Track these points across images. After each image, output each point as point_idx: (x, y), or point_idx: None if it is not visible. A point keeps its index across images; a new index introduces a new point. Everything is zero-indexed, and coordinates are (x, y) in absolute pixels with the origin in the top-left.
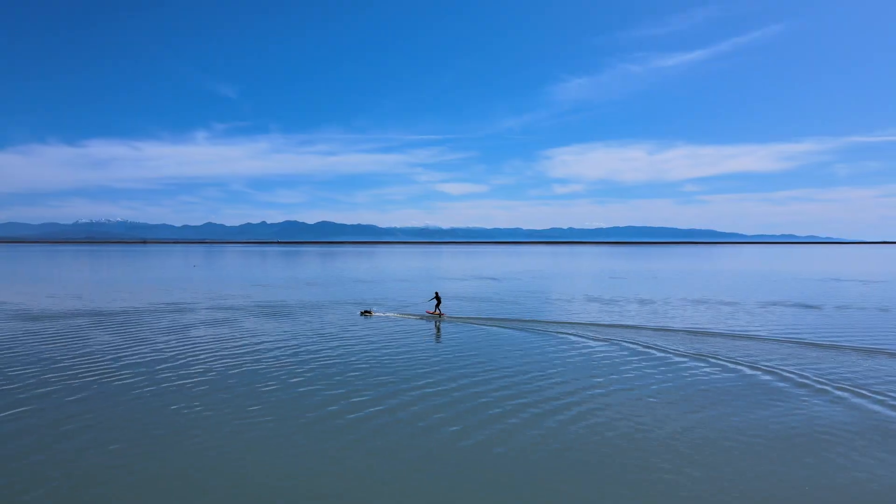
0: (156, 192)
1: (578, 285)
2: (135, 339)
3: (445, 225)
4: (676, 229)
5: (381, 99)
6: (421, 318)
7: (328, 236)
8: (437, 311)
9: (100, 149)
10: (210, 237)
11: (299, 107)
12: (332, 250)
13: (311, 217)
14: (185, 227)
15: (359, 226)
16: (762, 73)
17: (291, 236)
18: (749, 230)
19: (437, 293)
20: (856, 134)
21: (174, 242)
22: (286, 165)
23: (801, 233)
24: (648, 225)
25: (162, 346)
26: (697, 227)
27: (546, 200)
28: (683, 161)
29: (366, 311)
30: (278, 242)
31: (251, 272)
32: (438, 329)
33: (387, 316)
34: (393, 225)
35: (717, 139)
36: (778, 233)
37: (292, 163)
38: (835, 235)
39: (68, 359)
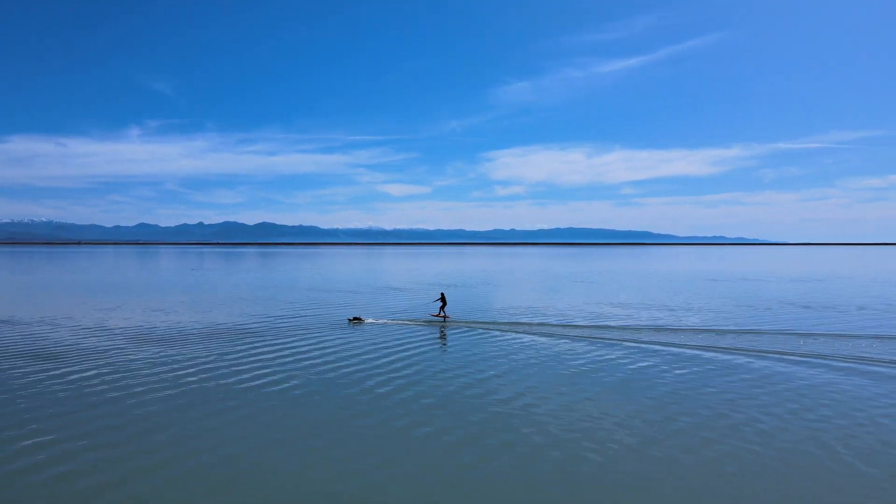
0: (84, 191)
1: (568, 289)
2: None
3: (388, 226)
4: (614, 231)
5: (323, 98)
6: (421, 324)
7: (268, 237)
8: (443, 314)
9: (21, 145)
10: (144, 238)
11: (238, 105)
12: (272, 251)
13: (250, 218)
14: (117, 227)
15: (300, 227)
16: (695, 81)
17: (230, 237)
18: (682, 232)
19: (442, 294)
20: (780, 141)
21: (105, 244)
22: (224, 165)
23: (731, 234)
24: (588, 227)
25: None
26: (634, 229)
27: (488, 202)
28: (621, 164)
29: (356, 318)
30: (217, 244)
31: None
32: (444, 334)
33: (380, 323)
34: (335, 226)
35: (653, 144)
36: (708, 234)
37: (230, 162)
38: (761, 237)
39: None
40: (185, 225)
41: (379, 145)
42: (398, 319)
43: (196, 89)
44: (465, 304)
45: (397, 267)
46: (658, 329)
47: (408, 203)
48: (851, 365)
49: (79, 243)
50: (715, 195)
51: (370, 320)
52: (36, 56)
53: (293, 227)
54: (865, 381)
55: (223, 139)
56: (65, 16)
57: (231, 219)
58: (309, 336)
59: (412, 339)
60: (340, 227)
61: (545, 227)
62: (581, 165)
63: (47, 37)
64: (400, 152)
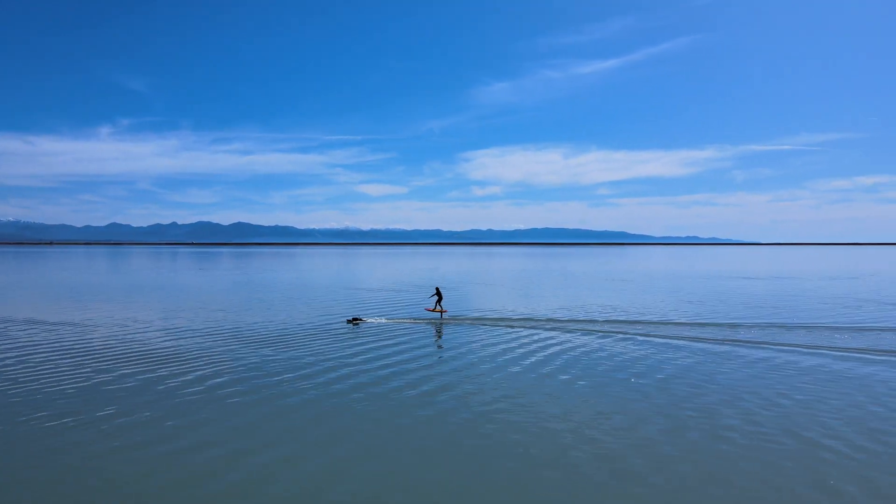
0: (53, 190)
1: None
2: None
3: (365, 226)
4: (590, 231)
5: (300, 97)
6: (420, 322)
7: (243, 238)
8: (438, 308)
9: None
10: (115, 238)
11: (213, 103)
12: (249, 251)
13: (225, 218)
14: (87, 227)
15: (276, 227)
16: (670, 83)
17: (204, 238)
18: (657, 232)
19: (437, 288)
20: (751, 143)
21: (75, 244)
22: (199, 164)
23: (704, 234)
24: (564, 227)
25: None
26: (609, 230)
27: (465, 202)
28: (597, 165)
29: (354, 319)
30: (191, 244)
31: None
32: (440, 331)
33: (378, 322)
34: (311, 226)
35: (629, 145)
36: (683, 234)
37: (205, 161)
38: (733, 237)
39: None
40: (157, 225)
41: (356, 145)
42: (396, 318)
43: (171, 87)
44: (468, 303)
45: (388, 267)
46: (669, 323)
47: (385, 203)
48: None
49: (50, 243)
50: (689, 196)
51: (370, 320)
52: (1, 52)
53: (269, 227)
54: None
55: (198, 138)
56: (34, 12)
57: (205, 219)
58: (310, 340)
59: (413, 338)
60: (317, 228)
61: (522, 227)
62: (558, 166)
63: (14, 33)
64: (377, 152)
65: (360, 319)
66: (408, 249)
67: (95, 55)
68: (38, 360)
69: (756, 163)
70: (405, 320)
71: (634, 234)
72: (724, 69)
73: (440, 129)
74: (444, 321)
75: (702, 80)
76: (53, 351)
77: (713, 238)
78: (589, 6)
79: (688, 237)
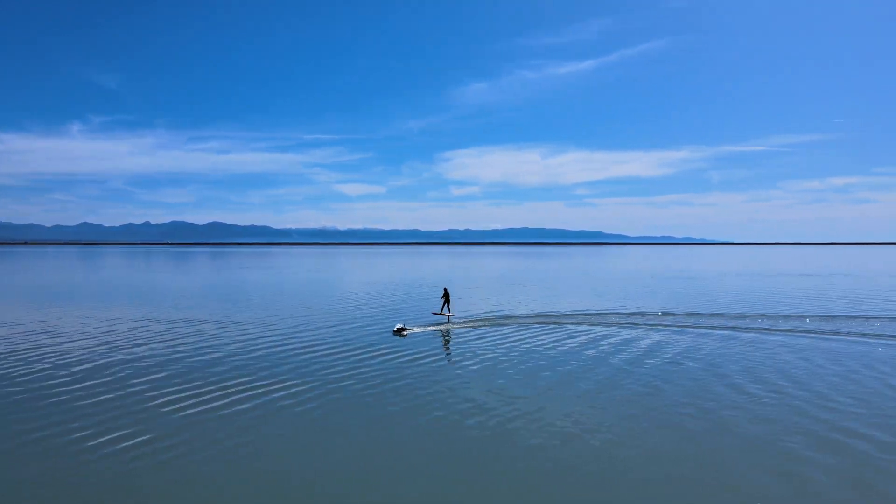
0: (21, 189)
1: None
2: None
3: (343, 226)
4: (567, 231)
5: (278, 96)
6: (461, 326)
7: (219, 237)
8: (445, 312)
9: None
10: (86, 238)
11: (189, 101)
12: (225, 251)
13: (200, 218)
14: (57, 227)
15: (252, 227)
16: (646, 85)
17: (179, 237)
18: (633, 232)
19: (445, 290)
20: (727, 144)
21: (45, 244)
22: (173, 163)
23: (679, 234)
24: (542, 226)
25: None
26: (587, 229)
27: (444, 202)
28: (575, 165)
29: (401, 329)
30: (166, 244)
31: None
32: (447, 336)
33: (423, 331)
34: (288, 226)
35: (606, 145)
36: (659, 234)
37: (180, 160)
38: (708, 237)
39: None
40: (130, 224)
41: (335, 144)
42: (437, 324)
43: (144, 84)
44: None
45: (400, 267)
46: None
47: (363, 203)
48: None
49: (25, 243)
50: (665, 196)
51: (415, 329)
52: None
53: (245, 227)
54: None
55: (173, 136)
56: (0, 9)
57: (180, 218)
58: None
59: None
60: (294, 227)
61: (500, 227)
62: (536, 166)
63: None
64: (356, 152)
65: (406, 329)
66: (387, 249)
67: (66, 52)
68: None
69: (731, 163)
70: (442, 325)
71: (610, 234)
72: (699, 71)
73: (419, 129)
74: (452, 324)
75: (677, 82)
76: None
77: (688, 238)
78: (566, 8)
79: (663, 237)
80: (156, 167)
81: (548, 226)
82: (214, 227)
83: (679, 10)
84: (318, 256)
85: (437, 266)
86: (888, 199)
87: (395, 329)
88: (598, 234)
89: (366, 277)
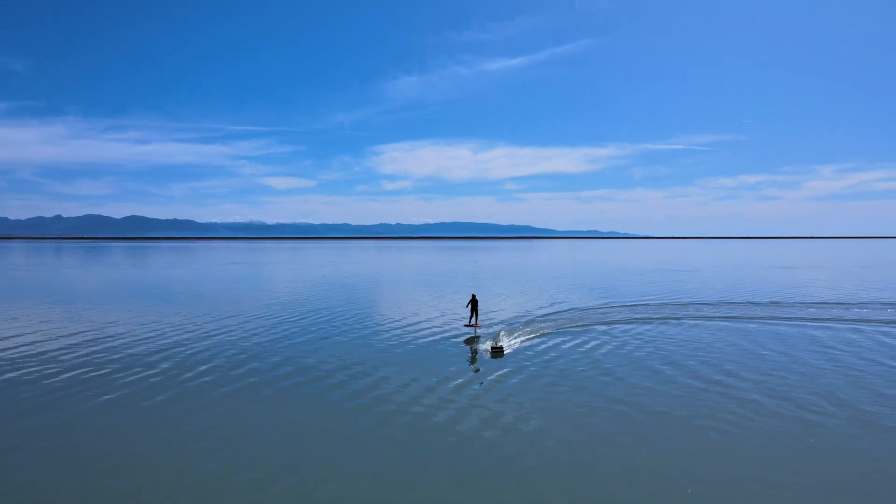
0: None
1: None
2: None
3: (270, 220)
4: (497, 225)
5: (201, 85)
6: (549, 332)
7: (138, 232)
8: (474, 322)
9: None
10: None
11: (104, 88)
12: (142, 246)
13: (117, 211)
14: None
15: (174, 220)
16: (574, 82)
17: (94, 232)
18: (561, 226)
19: (473, 296)
20: (648, 141)
21: None
22: (89, 153)
23: (605, 229)
24: (472, 221)
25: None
26: (516, 224)
27: (374, 196)
28: (505, 161)
29: (496, 349)
30: (80, 238)
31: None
32: (474, 350)
33: (519, 344)
34: (213, 220)
35: (535, 141)
36: (585, 228)
37: (96, 150)
38: (631, 231)
39: None
40: (39, 218)
41: (262, 137)
42: (527, 334)
43: (55, 69)
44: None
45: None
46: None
47: (292, 197)
48: None
49: None
50: (591, 191)
51: (509, 343)
52: None
53: (167, 220)
54: None
55: (88, 125)
56: None
57: (95, 211)
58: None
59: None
60: (219, 221)
61: (430, 221)
62: (467, 161)
63: None
64: (285, 144)
65: (502, 347)
66: (315, 244)
67: None
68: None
69: (653, 161)
70: (534, 335)
71: (539, 228)
72: (622, 71)
73: (349, 123)
74: (478, 335)
75: (603, 81)
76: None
77: (613, 232)
78: (496, 4)
79: (589, 231)
80: (68, 157)
81: (478, 220)
82: (133, 220)
83: (604, 11)
84: (245, 252)
85: (399, 261)
86: (793, 196)
87: (491, 347)
88: (528, 228)
89: (299, 275)
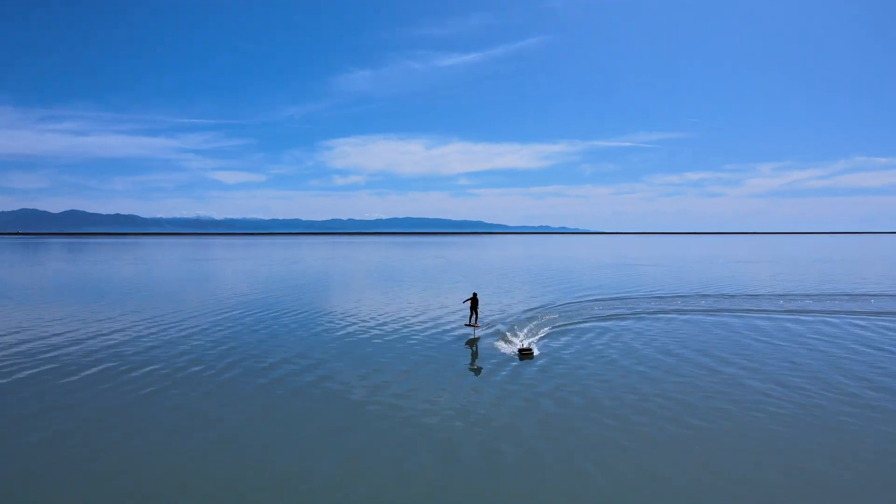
0: None
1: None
2: None
3: (219, 216)
4: (450, 220)
5: (144, 75)
6: (560, 326)
7: (77, 227)
8: (474, 322)
9: None
10: None
11: (39, 76)
12: (82, 242)
13: (55, 205)
14: None
15: (116, 216)
16: (526, 79)
17: (30, 227)
18: (513, 222)
19: (474, 294)
20: (597, 139)
21: None
22: (22, 144)
23: (556, 224)
24: (425, 216)
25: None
26: (469, 219)
27: (326, 191)
28: (458, 156)
29: (525, 351)
30: (14, 234)
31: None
32: (475, 347)
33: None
34: (158, 215)
35: (488, 137)
36: (537, 224)
37: (30, 142)
38: (581, 227)
39: None
40: None
41: (210, 130)
42: (546, 329)
43: None
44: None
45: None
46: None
47: (241, 191)
48: None
49: None
50: (542, 187)
51: (534, 344)
52: None
53: (109, 215)
54: None
55: (21, 115)
56: None
57: (31, 206)
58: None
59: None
60: (165, 217)
61: (383, 216)
62: (420, 156)
63: None
64: (233, 138)
65: (531, 350)
66: (266, 240)
67: None
68: None
69: (602, 157)
70: (548, 329)
71: (491, 224)
72: (573, 69)
73: (300, 116)
74: (477, 335)
75: (554, 78)
76: None
77: (563, 227)
78: (447, 0)
79: (540, 226)
80: (1, 149)
81: (431, 215)
82: (72, 215)
83: (555, 9)
84: (191, 248)
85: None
86: (736, 192)
87: (519, 350)
88: (480, 223)
89: (249, 271)
